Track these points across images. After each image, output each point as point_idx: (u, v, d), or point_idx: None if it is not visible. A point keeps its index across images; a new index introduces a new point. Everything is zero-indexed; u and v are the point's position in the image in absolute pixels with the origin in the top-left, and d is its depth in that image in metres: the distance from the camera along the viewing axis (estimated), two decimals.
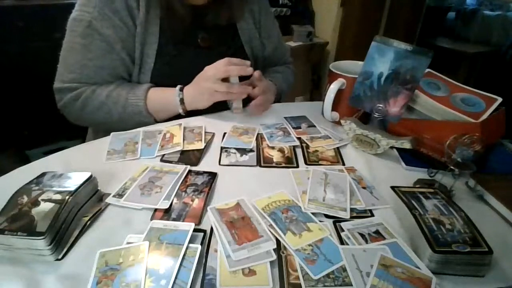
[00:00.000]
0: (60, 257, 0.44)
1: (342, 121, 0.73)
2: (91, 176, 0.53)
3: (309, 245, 0.46)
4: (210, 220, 0.50)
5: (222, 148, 0.70)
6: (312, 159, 0.68)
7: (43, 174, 0.52)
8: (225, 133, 0.75)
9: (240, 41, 0.88)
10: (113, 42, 0.73)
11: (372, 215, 0.53)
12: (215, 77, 0.71)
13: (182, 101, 0.75)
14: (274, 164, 0.66)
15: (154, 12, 0.76)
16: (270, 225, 0.49)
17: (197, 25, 0.80)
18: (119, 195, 0.55)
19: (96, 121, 0.79)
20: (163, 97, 0.76)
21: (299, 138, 0.74)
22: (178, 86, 0.75)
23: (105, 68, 0.75)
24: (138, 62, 0.77)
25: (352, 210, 0.54)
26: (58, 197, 0.47)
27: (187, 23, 0.77)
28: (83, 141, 0.87)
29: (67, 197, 0.47)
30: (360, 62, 0.74)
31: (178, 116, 0.79)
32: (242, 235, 0.47)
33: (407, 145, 0.65)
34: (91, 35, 0.72)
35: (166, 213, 0.52)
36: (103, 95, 0.74)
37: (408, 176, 0.63)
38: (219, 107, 0.79)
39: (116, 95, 0.75)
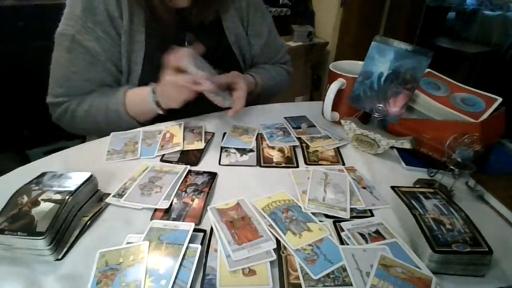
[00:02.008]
0: (60, 257, 0.44)
1: (342, 121, 0.73)
2: (91, 176, 0.53)
3: (309, 245, 0.46)
4: (210, 220, 0.50)
5: (222, 148, 0.70)
6: (312, 159, 0.68)
7: (43, 174, 0.53)
8: (225, 133, 0.75)
9: (227, 41, 0.87)
10: (96, 54, 0.73)
11: (372, 215, 0.53)
12: (168, 69, 0.66)
13: (158, 103, 0.72)
14: (274, 164, 0.66)
15: (138, 19, 0.75)
16: (270, 225, 0.49)
17: (183, 27, 0.79)
18: (119, 195, 0.55)
19: (88, 129, 0.81)
20: (140, 101, 0.75)
21: (299, 138, 0.74)
22: (150, 88, 0.72)
23: (91, 80, 0.76)
24: (125, 70, 0.77)
25: (352, 210, 0.54)
26: (58, 197, 0.47)
27: (172, 27, 0.76)
28: (83, 141, 0.87)
29: (67, 197, 0.47)
30: (360, 62, 0.74)
31: (164, 118, 0.78)
32: (242, 235, 0.47)
33: (407, 145, 0.65)
34: (75, 49, 0.72)
35: (166, 213, 0.52)
36: (86, 105, 0.75)
37: (408, 176, 0.63)
38: (219, 107, 0.79)
39: (97, 103, 0.75)
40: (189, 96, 0.68)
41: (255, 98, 0.89)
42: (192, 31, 0.80)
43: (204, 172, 0.62)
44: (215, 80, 0.70)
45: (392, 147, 0.68)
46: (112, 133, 0.72)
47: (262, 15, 0.93)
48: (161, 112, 0.74)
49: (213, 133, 0.75)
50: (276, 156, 0.68)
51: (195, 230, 0.47)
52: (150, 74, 0.77)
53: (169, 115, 0.78)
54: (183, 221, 0.50)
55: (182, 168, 0.61)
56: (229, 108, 0.73)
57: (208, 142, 0.71)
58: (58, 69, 0.75)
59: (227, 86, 0.74)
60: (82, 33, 0.71)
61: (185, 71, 0.65)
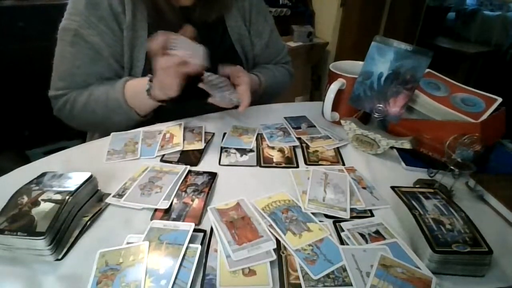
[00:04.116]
0: (60, 257, 0.44)
1: (342, 121, 0.73)
2: (91, 176, 0.53)
3: (309, 245, 0.46)
4: (210, 220, 0.50)
5: (222, 148, 0.70)
6: (312, 159, 0.68)
7: (43, 174, 0.53)
8: (225, 133, 0.75)
9: (230, 40, 0.87)
10: (100, 49, 0.73)
11: (372, 215, 0.53)
12: (156, 53, 0.64)
13: (154, 94, 0.70)
14: (274, 164, 0.66)
15: (141, 15, 0.75)
16: (270, 225, 0.49)
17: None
18: (119, 195, 0.55)
19: (85, 122, 0.81)
20: (140, 91, 0.73)
21: (299, 138, 0.74)
22: (148, 78, 0.71)
23: (94, 74, 0.76)
24: (128, 65, 0.78)
25: (352, 210, 0.54)
26: (58, 197, 0.47)
27: (175, 25, 0.76)
28: (83, 141, 0.87)
29: (67, 197, 0.47)
30: (360, 62, 0.74)
31: (164, 118, 0.78)
32: (242, 235, 0.47)
33: (407, 145, 0.65)
34: (78, 43, 0.72)
35: (166, 213, 0.52)
36: (85, 95, 0.75)
37: (408, 176, 0.63)
38: (219, 107, 0.79)
39: (97, 93, 0.75)
40: (180, 79, 0.65)
41: (258, 97, 0.89)
42: (195, 28, 0.80)
43: (204, 172, 0.62)
44: (219, 72, 0.69)
45: (392, 147, 0.68)
46: (112, 133, 0.72)
47: (264, 16, 0.94)
48: (158, 103, 0.72)
49: (213, 133, 0.75)
50: (276, 156, 0.68)
51: (195, 230, 0.47)
52: (153, 69, 0.77)
53: (170, 115, 0.78)
54: (183, 221, 0.50)
55: (182, 168, 0.61)
56: (234, 107, 0.73)
57: (208, 142, 0.71)
58: (62, 63, 0.75)
59: (231, 82, 0.74)
60: (85, 27, 0.72)
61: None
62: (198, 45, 0.65)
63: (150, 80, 0.71)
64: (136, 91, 0.74)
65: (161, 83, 0.68)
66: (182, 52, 0.63)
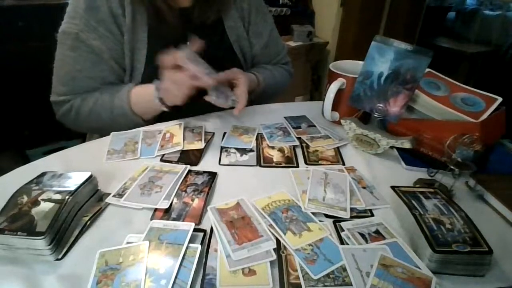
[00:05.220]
0: (60, 257, 0.44)
1: (342, 121, 0.73)
2: (91, 176, 0.53)
3: (309, 245, 0.46)
4: (210, 220, 0.50)
5: (222, 148, 0.70)
6: (312, 159, 0.68)
7: (43, 174, 0.53)
8: (225, 133, 0.75)
9: (229, 41, 0.88)
10: (101, 52, 0.74)
11: (372, 215, 0.53)
12: (164, 68, 0.67)
13: (162, 101, 0.72)
14: (274, 164, 0.66)
15: (141, 17, 0.76)
16: (270, 225, 0.49)
17: (185, 27, 0.79)
18: (119, 195, 0.55)
19: (92, 127, 0.82)
20: (145, 99, 0.74)
21: (299, 138, 0.74)
22: (155, 86, 0.72)
23: (95, 78, 0.76)
24: (128, 67, 0.78)
25: (352, 210, 0.54)
26: (58, 197, 0.47)
27: (175, 26, 0.77)
28: (83, 141, 0.87)
29: (67, 197, 0.47)
30: (360, 62, 0.74)
31: (164, 118, 0.78)
32: (242, 235, 0.47)
33: (407, 145, 0.65)
34: (79, 48, 0.72)
35: (166, 213, 0.52)
36: (91, 102, 0.76)
37: (408, 176, 0.63)
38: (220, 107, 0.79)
39: (102, 100, 0.75)
40: (189, 92, 0.68)
41: (257, 97, 0.89)
42: (194, 30, 0.80)
43: (204, 172, 0.62)
44: (215, 77, 0.70)
45: (392, 147, 0.68)
46: (112, 133, 0.72)
47: (263, 16, 0.93)
48: (166, 109, 0.74)
49: (213, 133, 0.75)
50: (276, 156, 0.68)
51: (195, 230, 0.47)
52: (153, 72, 0.77)
53: (170, 115, 0.78)
54: (183, 221, 0.50)
55: (182, 168, 0.61)
56: (232, 107, 0.73)
57: (208, 142, 0.71)
58: (62, 68, 0.75)
59: (228, 83, 0.74)
60: (86, 31, 0.72)
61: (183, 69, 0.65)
62: (205, 63, 0.68)
63: (157, 89, 0.72)
64: (141, 98, 0.75)
65: (169, 93, 0.70)
66: (195, 67, 0.65)
